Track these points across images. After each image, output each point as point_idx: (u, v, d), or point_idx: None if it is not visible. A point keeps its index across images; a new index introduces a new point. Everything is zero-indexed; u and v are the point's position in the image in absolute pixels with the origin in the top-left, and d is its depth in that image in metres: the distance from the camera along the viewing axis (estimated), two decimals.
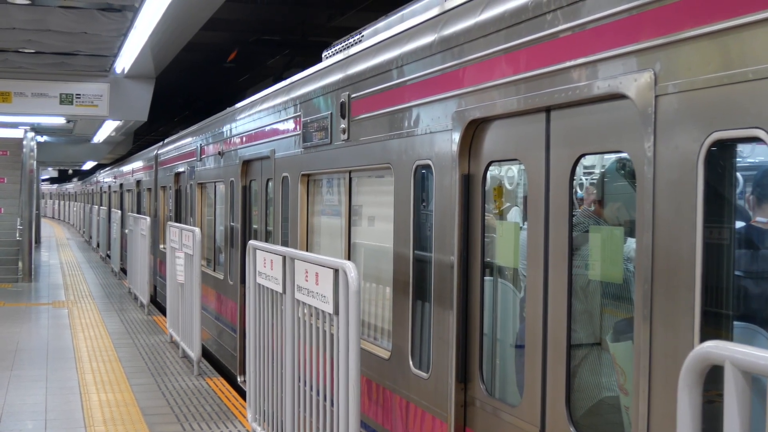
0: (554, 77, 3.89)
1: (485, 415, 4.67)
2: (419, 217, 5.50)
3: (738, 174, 3.12)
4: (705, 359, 2.30)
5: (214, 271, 12.42)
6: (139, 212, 21.90)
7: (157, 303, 17.50)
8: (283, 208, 8.51)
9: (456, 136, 4.83)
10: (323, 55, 8.15)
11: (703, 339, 3.05)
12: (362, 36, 7.17)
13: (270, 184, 9.07)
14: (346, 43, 7.54)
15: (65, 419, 8.37)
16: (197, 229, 10.39)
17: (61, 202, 74.78)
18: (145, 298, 16.08)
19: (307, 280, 5.63)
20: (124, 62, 15.16)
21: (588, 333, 4.21)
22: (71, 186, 70.57)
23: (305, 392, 5.91)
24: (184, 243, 10.99)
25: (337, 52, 7.62)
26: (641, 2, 3.31)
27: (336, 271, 5.14)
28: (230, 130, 11.13)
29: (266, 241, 9.04)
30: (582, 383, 4.11)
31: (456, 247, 4.84)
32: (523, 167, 4.40)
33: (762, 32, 2.76)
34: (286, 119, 8.35)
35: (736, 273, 3.13)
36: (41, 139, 29.24)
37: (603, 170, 4.42)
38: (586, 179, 4.44)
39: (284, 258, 6.10)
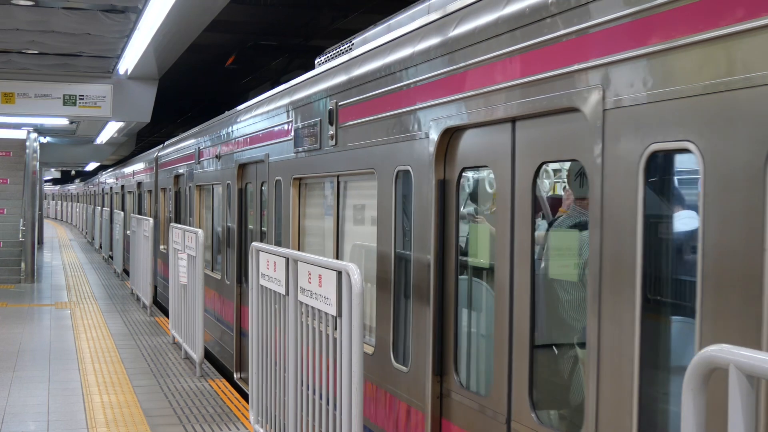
0: (518, 90, 4.21)
1: (459, 406, 4.96)
2: (400, 219, 5.80)
3: (673, 181, 3.43)
4: (709, 363, 2.30)
5: (212, 271, 12.48)
6: (140, 213, 22.12)
7: (158, 303, 17.51)
8: (276, 210, 8.84)
9: (432, 144, 5.14)
10: (316, 62, 8.41)
11: (643, 332, 3.35)
12: (352, 44, 7.43)
13: (264, 187, 9.37)
14: (338, 50, 7.78)
15: (67, 420, 8.37)
16: (200, 231, 10.40)
17: (64, 203, 74.84)
18: (147, 300, 16.09)
19: (310, 282, 5.63)
20: (127, 63, 15.18)
21: (550, 327, 4.51)
22: (73, 187, 70.68)
23: (308, 394, 5.91)
24: (186, 244, 11.00)
25: (330, 59, 7.88)
26: (591, 23, 3.63)
27: (339, 273, 5.14)
28: (227, 134, 11.44)
29: (261, 241, 9.22)
30: (544, 375, 4.38)
31: (432, 248, 5.15)
32: (492, 173, 4.72)
33: (692, 54, 3.07)
34: (280, 124, 8.67)
35: (672, 269, 3.45)
36: (44, 140, 29.27)
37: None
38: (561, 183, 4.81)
39: (287, 260, 6.10)
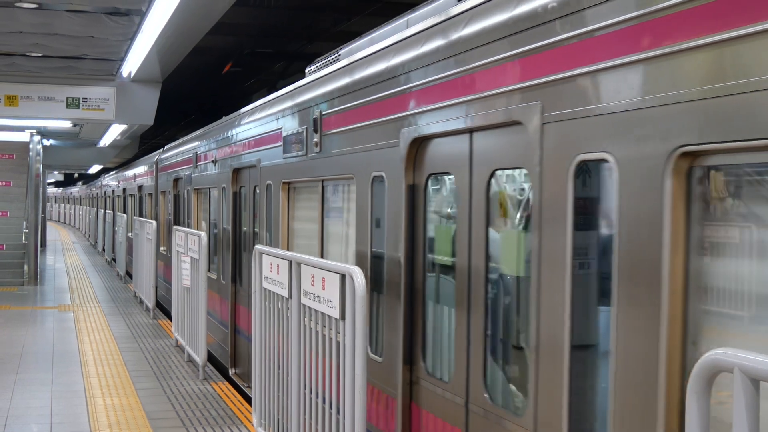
0: (474, 105, 4.71)
1: (426, 391, 5.43)
2: (375, 220, 6.26)
3: (596, 187, 3.84)
4: (714, 366, 2.30)
5: (209, 271, 12.55)
6: (140, 216, 22.42)
7: (159, 305, 17.52)
8: (267, 213, 9.32)
9: (402, 152, 5.62)
10: (306, 71, 8.80)
11: (573, 324, 3.83)
12: (339, 55, 7.86)
13: (257, 190, 9.88)
14: (326, 60, 8.17)
15: (70, 423, 8.38)
16: (203, 234, 10.42)
17: (66, 206, 74.90)
18: (150, 302, 16.10)
19: (313, 285, 5.63)
20: (130, 66, 15.21)
21: (502, 320, 4.89)
22: (76, 190, 70.79)
23: (311, 397, 5.91)
24: (189, 247, 11.01)
25: (319, 69, 8.25)
26: (534, 46, 4.10)
27: (343, 276, 5.14)
28: (222, 140, 11.94)
29: (253, 242, 9.92)
30: (497, 362, 4.83)
31: (403, 247, 5.64)
32: (453, 179, 5.18)
33: (612, 76, 3.53)
34: (270, 132, 9.17)
35: (596, 265, 3.89)
36: (47, 142, 29.30)
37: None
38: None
39: (290, 263, 6.10)
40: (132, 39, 12.94)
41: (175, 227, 12.42)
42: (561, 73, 3.88)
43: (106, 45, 13.41)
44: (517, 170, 4.58)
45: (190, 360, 11.35)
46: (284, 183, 8.69)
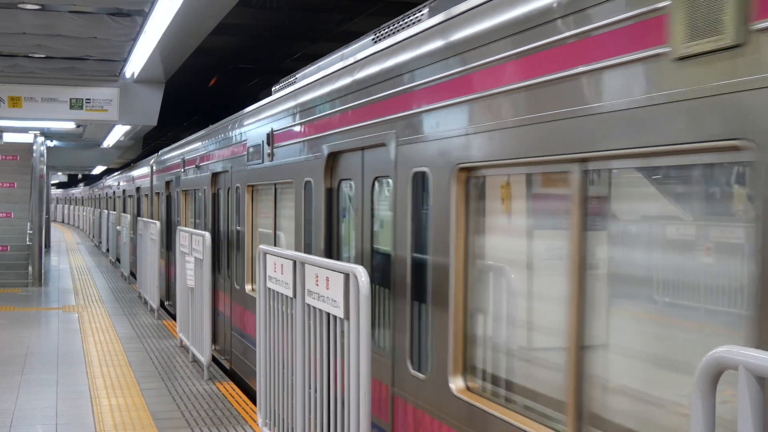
0: (363, 130, 6.34)
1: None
2: (307, 216, 7.88)
3: (423, 190, 5.42)
4: (718, 364, 2.30)
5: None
6: (138, 215, 23.32)
7: (161, 304, 17.55)
8: (237, 210, 11.13)
9: (322, 163, 7.29)
10: (272, 90, 10.46)
11: (413, 284, 5.49)
12: (295, 78, 9.48)
13: (229, 191, 11.63)
14: (286, 82, 9.83)
15: (76, 424, 8.39)
16: (207, 234, 10.44)
17: (69, 206, 74.96)
18: (155, 303, 16.12)
19: (317, 285, 5.63)
20: (133, 67, 15.22)
21: (380, 281, 6.31)
22: (78, 191, 70.87)
23: (315, 396, 5.91)
24: (194, 247, 11.02)
25: (280, 89, 9.89)
26: (391, 91, 5.79)
27: (347, 275, 5.14)
28: (204, 147, 13.61)
29: (227, 234, 11.78)
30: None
31: (323, 238, 7.34)
32: (353, 184, 6.77)
33: (426, 116, 5.28)
34: (238, 143, 10.98)
35: (424, 239, 5.40)
36: (51, 143, 29.35)
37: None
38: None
39: (294, 262, 6.10)
40: (135, 40, 12.96)
41: (179, 228, 12.48)
42: (404, 111, 5.58)
43: (109, 46, 13.43)
44: (386, 178, 6.07)
45: (195, 360, 11.36)
46: (249, 186, 10.46)
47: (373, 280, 5.98)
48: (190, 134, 18.97)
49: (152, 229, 15.94)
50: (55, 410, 8.89)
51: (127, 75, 16.09)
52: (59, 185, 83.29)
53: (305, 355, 6.07)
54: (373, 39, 7.10)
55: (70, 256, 32.20)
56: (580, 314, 3.85)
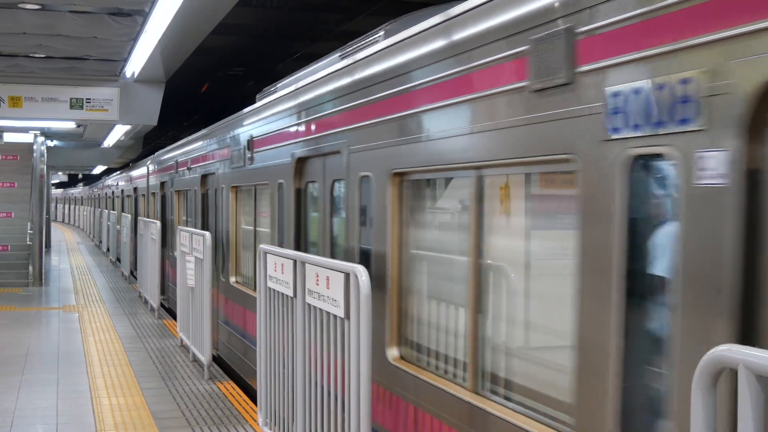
0: (323, 139, 7.27)
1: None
2: (281, 214, 8.78)
3: (368, 191, 6.21)
4: (718, 363, 2.30)
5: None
6: (135, 214, 23.94)
7: (162, 305, 17.53)
8: (223, 209, 11.99)
9: (292, 167, 8.26)
10: (256, 97, 11.33)
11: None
12: (276, 87, 10.31)
13: (216, 192, 12.54)
14: (269, 91, 10.54)
15: (76, 423, 8.39)
16: (208, 234, 10.44)
17: (69, 206, 74.90)
18: (155, 302, 16.12)
19: (318, 284, 5.63)
20: (134, 66, 15.21)
21: None
22: (76, 191, 70.86)
23: (316, 396, 5.92)
24: (194, 247, 11.02)
25: (264, 97, 10.66)
26: (345, 106, 6.70)
27: (347, 275, 5.13)
28: (194, 151, 14.63)
29: (215, 230, 12.53)
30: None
31: (293, 233, 8.35)
32: (317, 186, 7.71)
33: (367, 129, 6.19)
34: (223, 147, 11.95)
35: (366, 234, 6.31)
36: (51, 143, 29.34)
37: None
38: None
39: (295, 262, 6.10)
40: (135, 39, 12.95)
41: (179, 228, 12.49)
42: (353, 124, 6.47)
43: (109, 45, 13.42)
44: (342, 180, 6.82)
45: (195, 360, 11.36)
46: (232, 187, 11.43)
47: None
48: (190, 134, 19.02)
49: (152, 228, 15.93)
50: (55, 410, 8.89)
51: (128, 75, 16.08)
52: (59, 185, 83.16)
53: (305, 355, 6.07)
54: (340, 56, 7.85)
55: (70, 256, 32.19)
56: (476, 289, 4.85)
